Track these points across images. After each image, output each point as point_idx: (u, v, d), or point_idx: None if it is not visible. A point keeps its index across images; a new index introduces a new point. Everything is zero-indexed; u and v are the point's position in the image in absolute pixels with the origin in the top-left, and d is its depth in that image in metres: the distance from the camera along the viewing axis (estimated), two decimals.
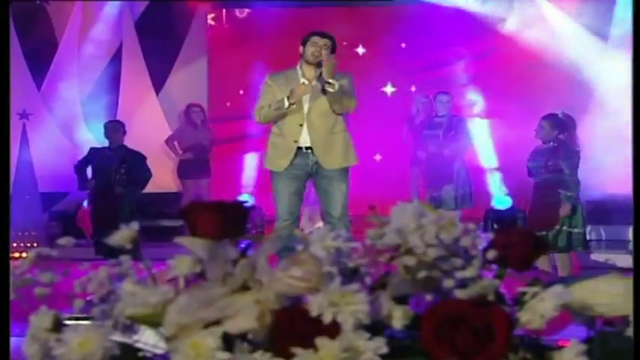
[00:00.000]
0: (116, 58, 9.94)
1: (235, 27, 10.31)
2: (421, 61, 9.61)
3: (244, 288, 0.93)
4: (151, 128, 9.57)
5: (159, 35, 9.81)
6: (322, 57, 5.06)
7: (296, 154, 5.13)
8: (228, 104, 10.11)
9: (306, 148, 5.14)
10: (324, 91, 5.03)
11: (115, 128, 7.14)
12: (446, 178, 7.60)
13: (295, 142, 5.12)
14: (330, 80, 4.96)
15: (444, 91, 7.96)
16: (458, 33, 9.37)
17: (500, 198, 8.88)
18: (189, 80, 10.09)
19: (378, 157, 9.74)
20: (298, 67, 5.21)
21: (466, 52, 9.57)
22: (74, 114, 9.66)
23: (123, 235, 0.98)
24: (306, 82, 5.10)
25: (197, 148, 8.90)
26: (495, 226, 8.13)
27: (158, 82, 9.99)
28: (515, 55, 9.23)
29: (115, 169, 6.93)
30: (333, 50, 5.16)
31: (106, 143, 7.43)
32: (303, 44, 5.17)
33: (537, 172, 6.21)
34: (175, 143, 9.10)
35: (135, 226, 0.99)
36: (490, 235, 1.06)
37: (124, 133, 7.22)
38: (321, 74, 5.08)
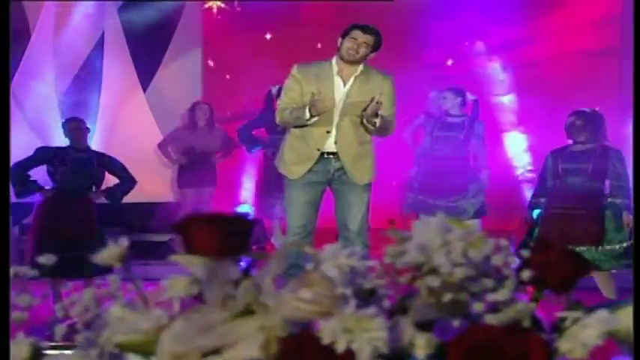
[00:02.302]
0: (97, 50, 9.98)
1: (236, 13, 10.34)
2: (435, 53, 9.61)
3: (247, 312, 0.94)
4: (137, 129, 9.60)
5: (146, 24, 9.86)
6: (359, 56, 5.05)
7: (317, 160, 5.14)
8: (226, 102, 10.14)
9: (329, 153, 5.15)
10: (364, 126, 5.04)
11: (79, 127, 7.07)
12: (464, 187, 7.60)
13: (318, 150, 5.12)
14: (375, 120, 4.96)
15: (457, 88, 7.92)
16: (479, 19, 9.39)
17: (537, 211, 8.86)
18: (181, 75, 10.12)
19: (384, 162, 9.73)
20: (334, 61, 5.17)
21: (488, 43, 9.59)
22: (49, 113, 9.70)
23: (111, 252, 0.99)
24: (340, 83, 5.09)
25: (198, 153, 8.85)
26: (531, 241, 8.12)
27: (145, 77, 10.02)
28: (548, 45, 9.25)
29: (94, 173, 6.91)
30: (376, 48, 5.13)
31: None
32: (342, 37, 5.13)
33: (576, 178, 6.22)
34: (169, 148, 9.03)
35: (124, 242, 1.00)
36: (525, 253, 1.07)
37: (88, 131, 7.17)
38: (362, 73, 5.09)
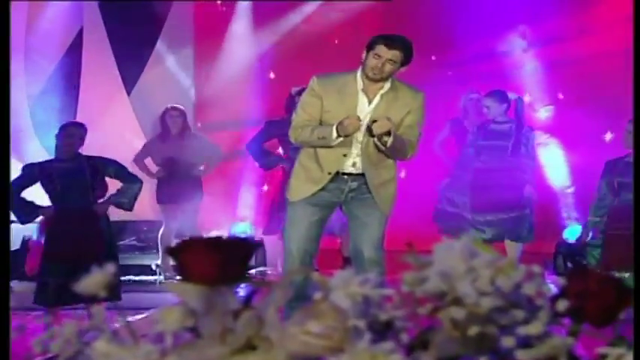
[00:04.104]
0: (75, 48, 10.00)
1: (233, 6, 10.35)
2: (465, 48, 9.62)
3: (249, 347, 0.95)
4: (120, 137, 9.62)
5: (130, 18, 9.87)
6: (385, 74, 5.03)
7: (332, 179, 5.14)
8: (220, 107, 10.14)
9: (344, 173, 5.15)
10: (377, 147, 5.05)
11: (69, 134, 7.05)
12: (509, 204, 7.58)
13: (329, 173, 5.13)
14: (386, 139, 4.95)
15: (498, 92, 7.89)
16: (518, 10, 9.40)
17: (575, 229, 8.84)
18: (169, 76, 10.14)
19: (402, 174, 9.71)
20: (358, 75, 5.13)
21: (530, 37, 9.59)
22: (20, 120, 9.72)
23: (95, 279, 1.00)
24: (365, 103, 5.10)
25: (175, 164, 8.82)
26: (569, 265, 8.10)
27: (129, 78, 10.05)
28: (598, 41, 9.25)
29: (90, 183, 6.88)
30: (405, 62, 5.06)
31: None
32: (367, 50, 5.05)
33: (618, 193, 6.21)
34: (146, 162, 8.99)
35: (110, 268, 1.01)
36: (561, 280, 1.08)
37: (82, 140, 7.12)
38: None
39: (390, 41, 5.00)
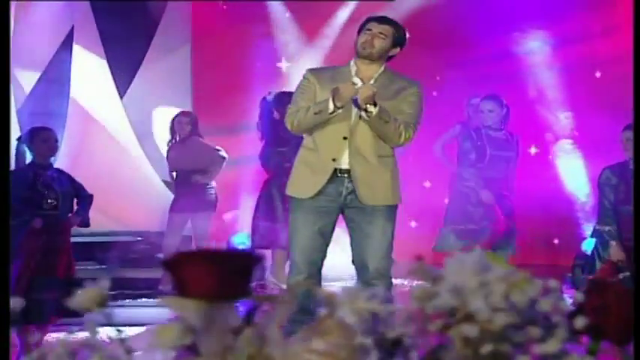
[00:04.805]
0: (65, 49, 10.01)
1: (228, 10, 10.37)
2: (475, 49, 9.63)
3: None
4: (113, 143, 9.63)
5: (123, 16, 9.88)
6: (375, 49, 5.14)
7: (330, 179, 5.16)
8: (218, 112, 10.16)
9: (342, 171, 5.17)
10: (360, 117, 5.08)
11: (44, 138, 7.05)
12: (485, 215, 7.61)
13: (334, 160, 5.15)
14: (367, 107, 4.99)
15: (497, 96, 7.89)
16: (534, 7, 9.42)
17: (591, 241, 8.82)
18: (165, 79, 10.14)
19: (427, 184, 9.72)
20: (352, 62, 5.29)
21: (547, 36, 9.61)
22: None
23: (89, 295, 1.00)
24: (358, 82, 5.15)
25: (182, 172, 8.86)
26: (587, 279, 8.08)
27: (123, 80, 10.05)
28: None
29: (66, 194, 6.90)
30: (397, 43, 5.24)
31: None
32: (358, 32, 5.29)
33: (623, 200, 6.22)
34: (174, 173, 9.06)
35: (104, 282, 1.01)
36: (579, 295, 1.08)
37: (57, 148, 7.13)
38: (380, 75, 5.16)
39: (380, 17, 5.31)
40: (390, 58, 5.30)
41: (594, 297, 1.06)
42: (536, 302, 0.99)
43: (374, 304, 1.02)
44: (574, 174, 9.16)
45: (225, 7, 10.36)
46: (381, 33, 5.17)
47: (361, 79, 5.20)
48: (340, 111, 5.05)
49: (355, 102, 5.05)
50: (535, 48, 9.62)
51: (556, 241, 8.54)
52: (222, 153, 8.90)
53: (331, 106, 5.03)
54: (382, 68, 5.24)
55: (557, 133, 9.38)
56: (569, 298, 1.09)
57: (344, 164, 5.17)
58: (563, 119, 9.49)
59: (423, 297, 1.01)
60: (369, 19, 5.28)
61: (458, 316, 0.99)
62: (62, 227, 6.76)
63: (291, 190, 5.33)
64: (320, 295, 1.06)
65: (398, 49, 5.25)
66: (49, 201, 6.79)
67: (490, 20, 9.31)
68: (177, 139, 8.90)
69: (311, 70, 5.43)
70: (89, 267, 8.48)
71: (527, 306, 0.98)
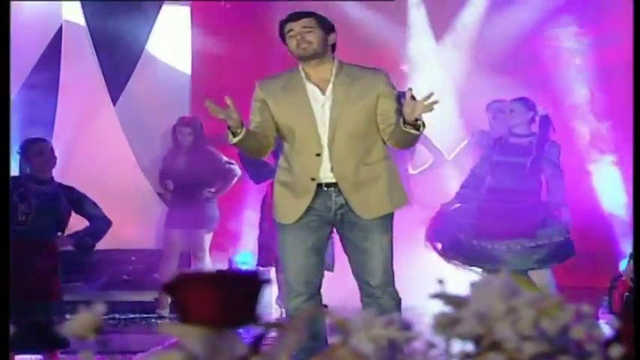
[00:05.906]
0: (52, 50, 10.03)
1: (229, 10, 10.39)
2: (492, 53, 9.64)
3: None
4: (104, 152, 9.64)
5: (115, 16, 9.89)
6: (313, 46, 5.13)
7: (315, 195, 5.17)
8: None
9: (327, 185, 5.18)
10: (404, 131, 5.03)
11: (40, 151, 7.05)
12: (532, 228, 7.57)
13: (313, 179, 5.16)
14: (419, 121, 4.94)
15: (528, 99, 7.90)
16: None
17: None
18: (161, 83, 10.14)
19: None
20: (300, 68, 5.25)
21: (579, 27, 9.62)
22: None
23: (83, 321, 1.00)
24: (312, 89, 5.17)
25: (184, 184, 8.82)
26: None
27: (115, 85, 10.07)
28: None
29: (63, 212, 6.89)
30: (327, 28, 5.22)
31: None
32: (283, 40, 5.26)
33: None
34: (169, 186, 9.02)
35: (99, 307, 1.02)
36: (615, 322, 1.08)
37: (55, 160, 7.12)
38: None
39: (292, 15, 5.25)
40: (334, 47, 5.27)
41: (630, 324, 1.06)
42: (568, 329, 0.99)
43: (392, 331, 1.02)
44: (611, 188, 9.14)
45: (227, 5, 10.37)
46: (304, 27, 5.15)
47: (316, 84, 5.21)
48: (241, 136, 5.08)
49: (402, 118, 5.01)
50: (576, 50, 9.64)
51: (592, 260, 8.49)
52: (236, 168, 8.87)
53: (230, 137, 5.12)
54: (335, 65, 5.23)
55: (595, 143, 9.37)
56: (606, 324, 1.09)
57: (327, 178, 5.19)
58: (603, 130, 9.47)
59: (445, 324, 1.01)
60: (283, 24, 5.24)
61: (484, 343, 0.99)
62: (34, 245, 6.70)
63: (277, 215, 5.36)
64: (330, 320, 1.05)
65: (334, 34, 5.23)
66: (18, 217, 6.77)
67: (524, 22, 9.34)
68: (181, 148, 8.90)
69: (259, 82, 5.36)
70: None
71: (558, 333, 0.98)
